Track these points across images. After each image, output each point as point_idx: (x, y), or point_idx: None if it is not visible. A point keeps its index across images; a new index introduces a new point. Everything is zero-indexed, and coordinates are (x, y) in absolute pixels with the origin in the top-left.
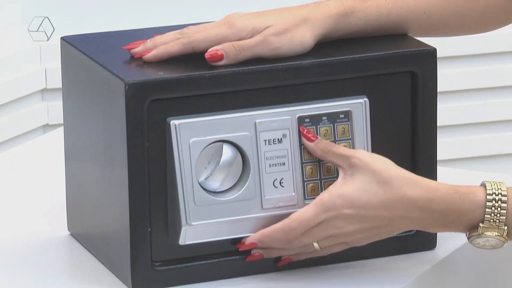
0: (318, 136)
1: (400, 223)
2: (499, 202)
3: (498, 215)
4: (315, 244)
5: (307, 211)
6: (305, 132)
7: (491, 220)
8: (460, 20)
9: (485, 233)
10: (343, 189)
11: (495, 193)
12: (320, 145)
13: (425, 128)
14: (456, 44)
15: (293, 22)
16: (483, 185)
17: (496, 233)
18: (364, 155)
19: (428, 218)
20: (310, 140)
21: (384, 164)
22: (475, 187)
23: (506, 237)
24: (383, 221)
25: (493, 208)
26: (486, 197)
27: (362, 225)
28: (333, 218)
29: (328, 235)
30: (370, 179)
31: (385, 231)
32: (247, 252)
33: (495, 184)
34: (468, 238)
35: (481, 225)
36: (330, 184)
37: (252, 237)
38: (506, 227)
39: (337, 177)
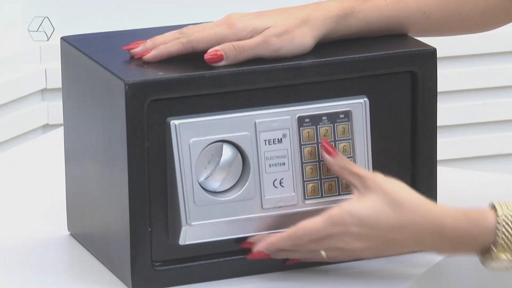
0: (338, 152)
1: (409, 245)
2: (510, 224)
3: (510, 237)
4: (322, 252)
5: (315, 223)
6: (326, 146)
7: (503, 243)
8: (460, 20)
9: (497, 256)
10: (354, 206)
11: (505, 215)
12: (339, 161)
13: (425, 128)
14: (456, 44)
15: (294, 23)
16: (493, 206)
17: (510, 255)
18: (379, 177)
19: (438, 243)
20: (330, 154)
21: (397, 187)
22: (485, 211)
23: None
24: (391, 242)
25: (503, 230)
26: (497, 220)
27: (369, 244)
28: (341, 234)
29: (335, 247)
30: (382, 200)
31: (393, 251)
32: (248, 251)
33: (505, 206)
34: (481, 262)
35: (493, 248)
36: (330, 184)
37: (259, 246)
38: None
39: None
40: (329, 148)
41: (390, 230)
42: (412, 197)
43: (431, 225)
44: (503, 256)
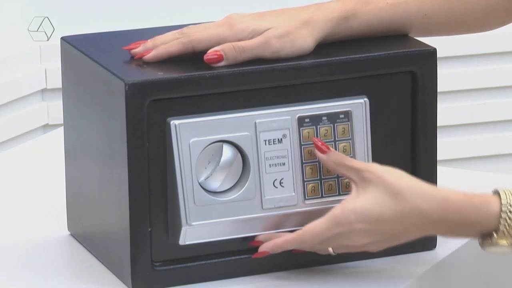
0: (331, 148)
1: (414, 233)
2: None
3: None
4: (330, 249)
5: (319, 225)
6: (318, 144)
7: (505, 230)
8: (461, 21)
9: (498, 242)
10: (355, 203)
11: (509, 203)
12: (333, 157)
13: (425, 128)
14: (456, 44)
15: (295, 25)
16: (497, 193)
17: (509, 242)
18: (376, 168)
19: (442, 228)
20: (323, 152)
21: (396, 176)
22: (489, 196)
23: None
24: (397, 233)
25: (507, 219)
26: (501, 207)
27: (376, 238)
28: (346, 232)
29: (342, 245)
30: (382, 191)
31: (399, 241)
32: (250, 251)
33: (510, 193)
34: (480, 245)
35: (494, 234)
36: (330, 184)
37: (264, 246)
38: None
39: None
40: (321, 146)
41: (395, 220)
42: (412, 184)
43: (434, 210)
44: (503, 242)
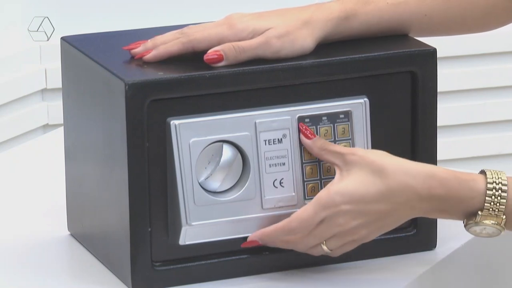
0: (316, 135)
1: (402, 212)
2: (499, 191)
3: (498, 204)
4: (324, 247)
5: (305, 210)
6: (303, 129)
7: (490, 209)
8: (462, 21)
9: (483, 221)
10: (340, 185)
11: (495, 181)
12: (317, 143)
13: (425, 128)
14: (456, 44)
15: (295, 25)
16: (483, 173)
17: (494, 222)
18: (358, 150)
19: (428, 205)
20: (308, 138)
21: (378, 155)
22: (475, 174)
23: (503, 226)
24: (384, 213)
25: (493, 197)
26: (486, 185)
27: (364, 219)
28: (333, 215)
29: (332, 234)
30: (365, 171)
31: (389, 223)
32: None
33: (496, 173)
34: (465, 226)
35: (479, 213)
36: None
37: (253, 235)
38: (504, 216)
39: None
40: (307, 132)
41: (381, 199)
42: (396, 160)
43: (419, 185)
44: (487, 221)
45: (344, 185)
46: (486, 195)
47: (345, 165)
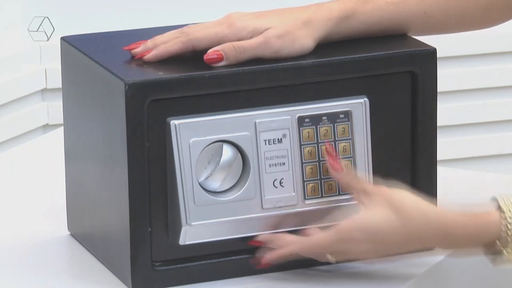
0: (344, 168)
1: (417, 249)
2: None
3: None
4: (329, 256)
5: (322, 240)
6: (332, 162)
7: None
8: (462, 18)
9: (503, 250)
10: (362, 222)
11: (509, 215)
12: (343, 180)
13: (425, 128)
14: (456, 44)
15: (295, 25)
16: (495, 200)
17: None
18: (384, 189)
19: (447, 248)
20: (336, 170)
21: (401, 196)
22: (490, 214)
23: None
24: (399, 250)
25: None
26: (501, 221)
27: (378, 254)
28: (349, 247)
29: (340, 251)
30: (389, 213)
31: (397, 251)
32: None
33: (508, 199)
34: (485, 254)
35: (497, 242)
36: (330, 184)
37: (268, 257)
38: None
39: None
40: (335, 164)
41: (400, 242)
42: (419, 206)
43: (439, 235)
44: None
45: (366, 222)
46: (501, 225)
47: (370, 202)
